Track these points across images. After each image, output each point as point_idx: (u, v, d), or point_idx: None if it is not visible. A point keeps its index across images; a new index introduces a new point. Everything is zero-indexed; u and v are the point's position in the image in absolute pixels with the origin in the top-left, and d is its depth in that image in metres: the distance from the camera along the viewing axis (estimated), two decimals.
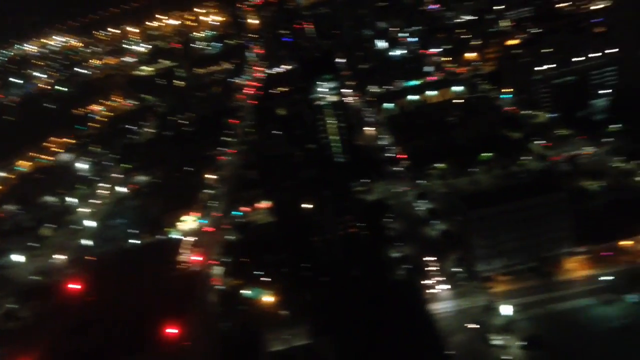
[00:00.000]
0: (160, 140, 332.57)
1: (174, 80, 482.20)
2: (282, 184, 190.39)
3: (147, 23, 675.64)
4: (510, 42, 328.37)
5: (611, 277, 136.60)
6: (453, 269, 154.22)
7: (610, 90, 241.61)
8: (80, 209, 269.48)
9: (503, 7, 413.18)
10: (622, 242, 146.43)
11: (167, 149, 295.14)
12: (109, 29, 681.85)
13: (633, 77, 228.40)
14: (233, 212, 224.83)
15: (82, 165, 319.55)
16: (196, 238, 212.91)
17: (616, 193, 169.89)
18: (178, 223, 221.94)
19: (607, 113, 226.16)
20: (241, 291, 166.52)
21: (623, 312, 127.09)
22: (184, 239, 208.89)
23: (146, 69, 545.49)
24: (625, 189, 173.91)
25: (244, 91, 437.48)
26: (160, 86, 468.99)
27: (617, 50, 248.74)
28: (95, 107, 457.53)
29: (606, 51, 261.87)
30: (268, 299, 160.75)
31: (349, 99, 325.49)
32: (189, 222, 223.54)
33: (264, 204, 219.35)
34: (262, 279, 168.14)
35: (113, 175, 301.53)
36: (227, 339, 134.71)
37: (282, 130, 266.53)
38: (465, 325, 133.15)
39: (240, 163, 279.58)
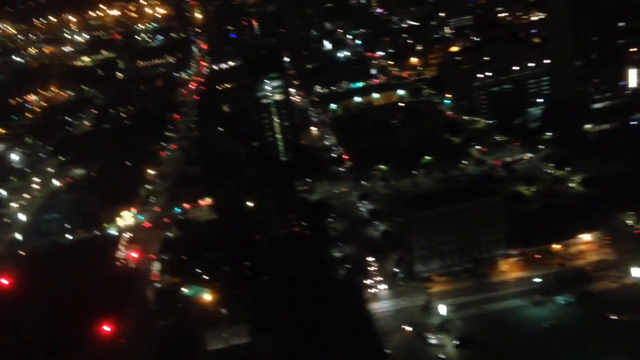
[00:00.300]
0: (99, 132, 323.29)
1: (115, 72, 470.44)
2: (225, 182, 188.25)
3: (88, 12, 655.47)
4: (451, 49, 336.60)
5: (542, 279, 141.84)
6: (393, 269, 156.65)
7: (543, 100, 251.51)
8: (12, 202, 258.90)
9: (444, 14, 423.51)
10: (553, 246, 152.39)
11: (106, 142, 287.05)
12: (48, 17, 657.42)
13: (564, 88, 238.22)
14: (173, 209, 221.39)
15: (15, 157, 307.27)
16: (135, 234, 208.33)
17: (548, 198, 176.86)
18: (116, 218, 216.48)
19: (541, 121, 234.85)
20: (180, 289, 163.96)
21: (553, 313, 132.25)
22: (122, 235, 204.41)
23: (85, 60, 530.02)
24: (557, 194, 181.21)
25: (187, 86, 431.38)
26: (100, 77, 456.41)
27: (549, 61, 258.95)
28: (31, 97, 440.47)
29: (542, 61, 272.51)
30: (207, 297, 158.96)
31: (295, 98, 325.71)
32: (128, 217, 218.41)
33: (206, 201, 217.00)
34: (201, 277, 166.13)
35: (48, 169, 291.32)
36: (164, 337, 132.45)
37: (225, 127, 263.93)
38: (404, 324, 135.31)
39: (182, 159, 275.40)
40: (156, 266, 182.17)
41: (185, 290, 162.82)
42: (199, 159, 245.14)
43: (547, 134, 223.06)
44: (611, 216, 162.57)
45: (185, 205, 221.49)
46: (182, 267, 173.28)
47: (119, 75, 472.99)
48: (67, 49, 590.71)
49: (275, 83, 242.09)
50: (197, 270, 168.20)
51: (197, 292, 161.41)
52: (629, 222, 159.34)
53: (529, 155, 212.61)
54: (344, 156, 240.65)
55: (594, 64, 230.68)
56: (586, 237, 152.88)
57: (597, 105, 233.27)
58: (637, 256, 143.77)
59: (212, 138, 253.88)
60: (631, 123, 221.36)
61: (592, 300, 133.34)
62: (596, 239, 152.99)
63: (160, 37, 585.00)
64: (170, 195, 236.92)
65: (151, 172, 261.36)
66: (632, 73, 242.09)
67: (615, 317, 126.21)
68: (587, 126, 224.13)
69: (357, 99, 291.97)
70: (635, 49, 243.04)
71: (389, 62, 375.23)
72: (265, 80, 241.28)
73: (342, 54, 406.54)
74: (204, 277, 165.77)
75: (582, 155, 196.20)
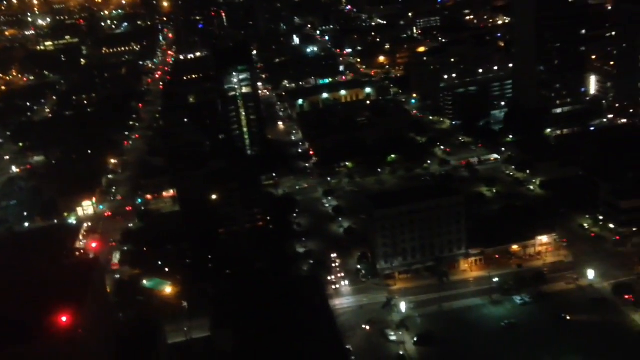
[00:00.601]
0: (60, 119, 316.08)
1: (78, 58, 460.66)
2: (189, 174, 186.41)
3: None
4: (418, 49, 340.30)
5: (501, 279, 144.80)
6: (355, 266, 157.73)
7: (506, 103, 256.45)
8: None
9: (412, 14, 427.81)
10: (512, 246, 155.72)
11: (67, 130, 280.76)
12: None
13: (526, 92, 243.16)
14: (135, 199, 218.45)
15: None
16: (95, 224, 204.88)
17: (508, 200, 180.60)
18: (77, 208, 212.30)
19: (503, 124, 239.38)
20: (140, 281, 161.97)
21: (510, 312, 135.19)
22: (82, 224, 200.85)
23: (48, 44, 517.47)
24: (517, 196, 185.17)
25: (153, 75, 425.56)
26: (63, 63, 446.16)
27: (511, 65, 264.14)
28: None
29: (506, 65, 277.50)
30: (168, 289, 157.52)
31: (262, 92, 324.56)
32: (88, 207, 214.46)
33: (169, 193, 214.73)
34: (163, 269, 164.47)
35: (6, 157, 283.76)
36: (124, 329, 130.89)
37: (191, 119, 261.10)
38: (365, 320, 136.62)
39: (146, 149, 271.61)
40: (116, 257, 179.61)
41: (145, 282, 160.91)
42: (163, 150, 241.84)
43: (509, 137, 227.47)
44: (568, 219, 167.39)
45: (148, 196, 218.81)
46: (142, 259, 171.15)
47: (83, 61, 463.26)
48: (30, 32, 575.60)
49: (243, 76, 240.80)
50: (158, 262, 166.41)
51: (157, 285, 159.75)
52: (585, 225, 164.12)
53: (496, 156, 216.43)
54: (310, 152, 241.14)
55: (556, 69, 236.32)
56: (544, 238, 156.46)
57: (558, 110, 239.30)
58: (593, 258, 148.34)
59: (176, 129, 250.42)
60: (590, 129, 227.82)
61: (548, 300, 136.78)
62: (553, 241, 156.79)
63: (125, 24, 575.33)
64: (132, 185, 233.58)
65: (113, 161, 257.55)
66: (592, 80, 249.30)
67: (569, 318, 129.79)
68: (548, 130, 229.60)
69: (325, 95, 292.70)
70: (596, 57, 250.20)
71: (357, 59, 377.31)
72: (233, 73, 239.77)
73: (311, 49, 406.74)
74: (166, 269, 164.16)
75: (542, 158, 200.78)
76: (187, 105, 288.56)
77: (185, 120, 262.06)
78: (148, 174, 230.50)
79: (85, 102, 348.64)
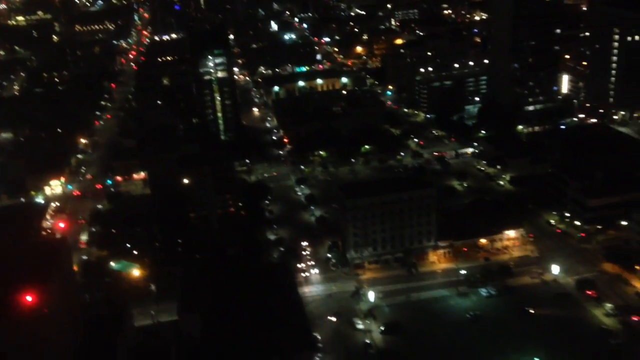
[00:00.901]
0: (30, 96, 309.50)
1: (51, 35, 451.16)
2: (161, 156, 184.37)
3: None
4: (396, 41, 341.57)
5: (468, 272, 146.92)
6: (326, 255, 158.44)
7: (480, 99, 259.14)
8: None
9: (390, 6, 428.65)
10: (480, 240, 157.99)
11: (37, 107, 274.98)
12: None
13: (500, 89, 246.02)
14: (105, 180, 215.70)
15: None
16: (63, 204, 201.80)
17: (478, 194, 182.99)
18: (45, 187, 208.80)
19: (476, 119, 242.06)
20: (108, 263, 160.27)
21: (475, 304, 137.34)
22: (50, 203, 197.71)
23: (20, 19, 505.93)
24: (487, 191, 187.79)
25: (127, 55, 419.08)
26: (34, 39, 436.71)
27: (487, 61, 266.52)
28: None
29: (481, 61, 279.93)
30: (136, 272, 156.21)
31: (238, 77, 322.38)
32: (57, 186, 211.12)
33: (139, 175, 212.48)
34: (131, 251, 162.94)
35: None
36: (90, 310, 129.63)
37: (164, 101, 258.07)
38: (334, 308, 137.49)
39: (117, 130, 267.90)
40: (84, 238, 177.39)
41: (113, 264, 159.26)
42: (135, 132, 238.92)
43: (481, 132, 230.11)
44: (536, 215, 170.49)
45: (118, 178, 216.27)
46: (111, 240, 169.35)
47: (55, 38, 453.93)
48: (1, 6, 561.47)
49: (219, 60, 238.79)
50: (127, 244, 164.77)
51: (125, 267, 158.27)
52: (552, 221, 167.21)
53: (471, 150, 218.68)
54: (284, 139, 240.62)
55: (530, 67, 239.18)
56: (511, 233, 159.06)
57: (530, 108, 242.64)
58: (558, 254, 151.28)
59: (149, 111, 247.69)
60: (561, 127, 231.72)
61: (513, 293, 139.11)
62: (520, 236, 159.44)
63: (100, 2, 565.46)
64: (102, 166, 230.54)
65: (83, 141, 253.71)
66: (564, 79, 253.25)
67: (533, 311, 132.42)
68: (520, 127, 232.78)
69: (301, 83, 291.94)
70: (569, 56, 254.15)
71: (335, 48, 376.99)
72: (209, 56, 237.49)
73: (289, 36, 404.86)
74: (134, 251, 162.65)
75: (513, 154, 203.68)
76: (161, 87, 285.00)
77: (159, 102, 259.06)
78: (119, 155, 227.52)
79: (57, 79, 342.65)
